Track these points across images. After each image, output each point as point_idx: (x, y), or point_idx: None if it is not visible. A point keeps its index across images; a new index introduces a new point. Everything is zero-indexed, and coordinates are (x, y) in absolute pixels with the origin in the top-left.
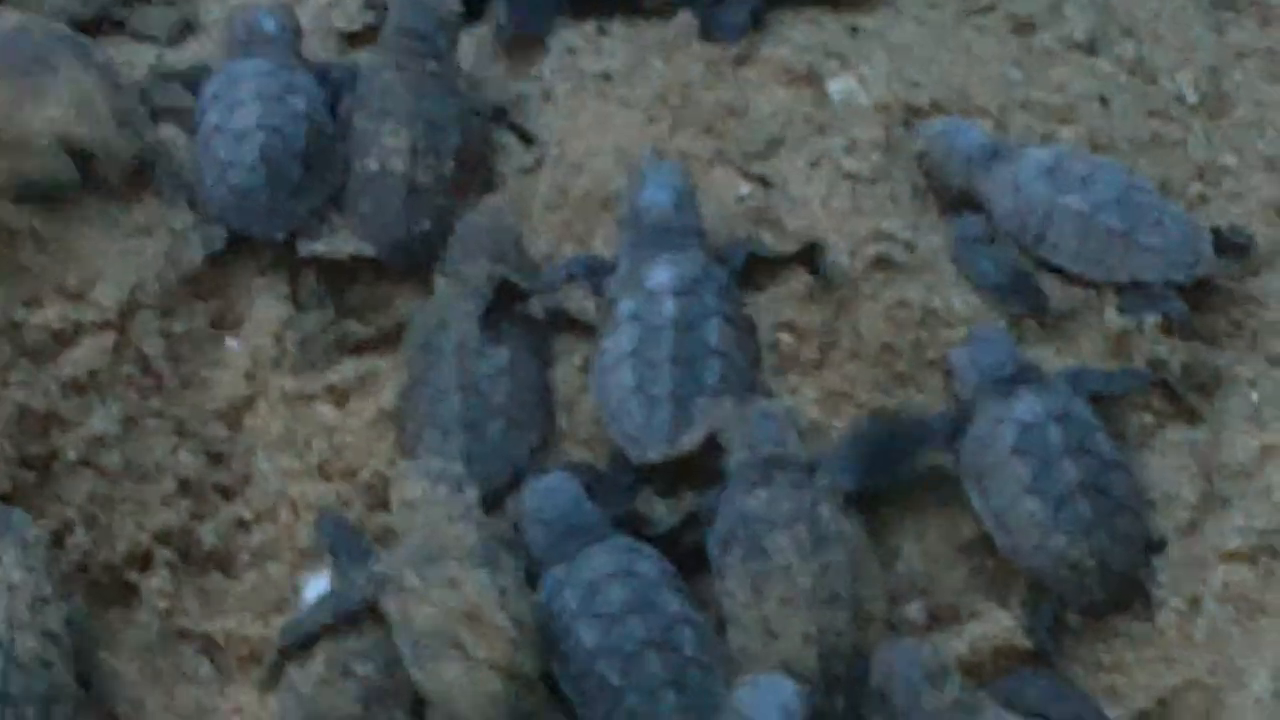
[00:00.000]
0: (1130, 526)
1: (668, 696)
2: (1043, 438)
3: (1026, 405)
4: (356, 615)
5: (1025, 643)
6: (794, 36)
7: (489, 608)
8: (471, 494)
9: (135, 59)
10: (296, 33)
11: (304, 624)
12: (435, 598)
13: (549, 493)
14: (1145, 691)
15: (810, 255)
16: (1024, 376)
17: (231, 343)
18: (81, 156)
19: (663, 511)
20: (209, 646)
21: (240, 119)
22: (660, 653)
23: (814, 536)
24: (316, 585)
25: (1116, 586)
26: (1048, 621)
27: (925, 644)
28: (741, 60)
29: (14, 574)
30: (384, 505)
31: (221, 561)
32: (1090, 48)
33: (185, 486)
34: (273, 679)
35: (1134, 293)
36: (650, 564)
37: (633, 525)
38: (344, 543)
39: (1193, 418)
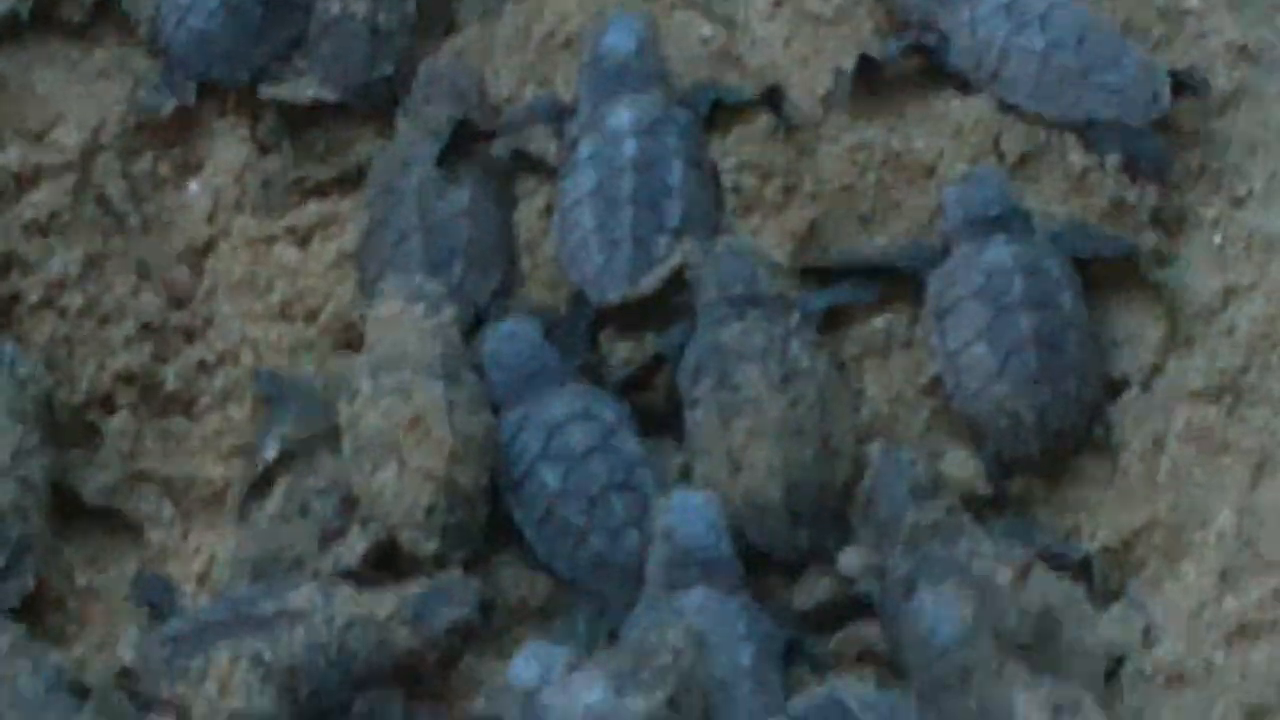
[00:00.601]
0: (1077, 389)
1: (630, 538)
2: (1006, 286)
3: (998, 252)
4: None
5: (986, 487)
6: None
7: (434, 418)
8: (448, 313)
9: None
10: None
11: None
12: (384, 404)
13: (509, 337)
14: (1108, 531)
15: (772, 97)
16: (1006, 223)
17: (193, 185)
18: None
19: (624, 353)
20: (171, 488)
21: None
22: (622, 494)
23: (784, 370)
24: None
25: (1053, 443)
26: (999, 465)
27: (920, 458)
28: None
29: (1, 418)
30: (346, 345)
31: (183, 404)
32: None
33: (147, 328)
34: (243, 516)
35: (1107, 130)
36: (609, 407)
37: (593, 370)
38: (283, 394)
39: (1159, 260)
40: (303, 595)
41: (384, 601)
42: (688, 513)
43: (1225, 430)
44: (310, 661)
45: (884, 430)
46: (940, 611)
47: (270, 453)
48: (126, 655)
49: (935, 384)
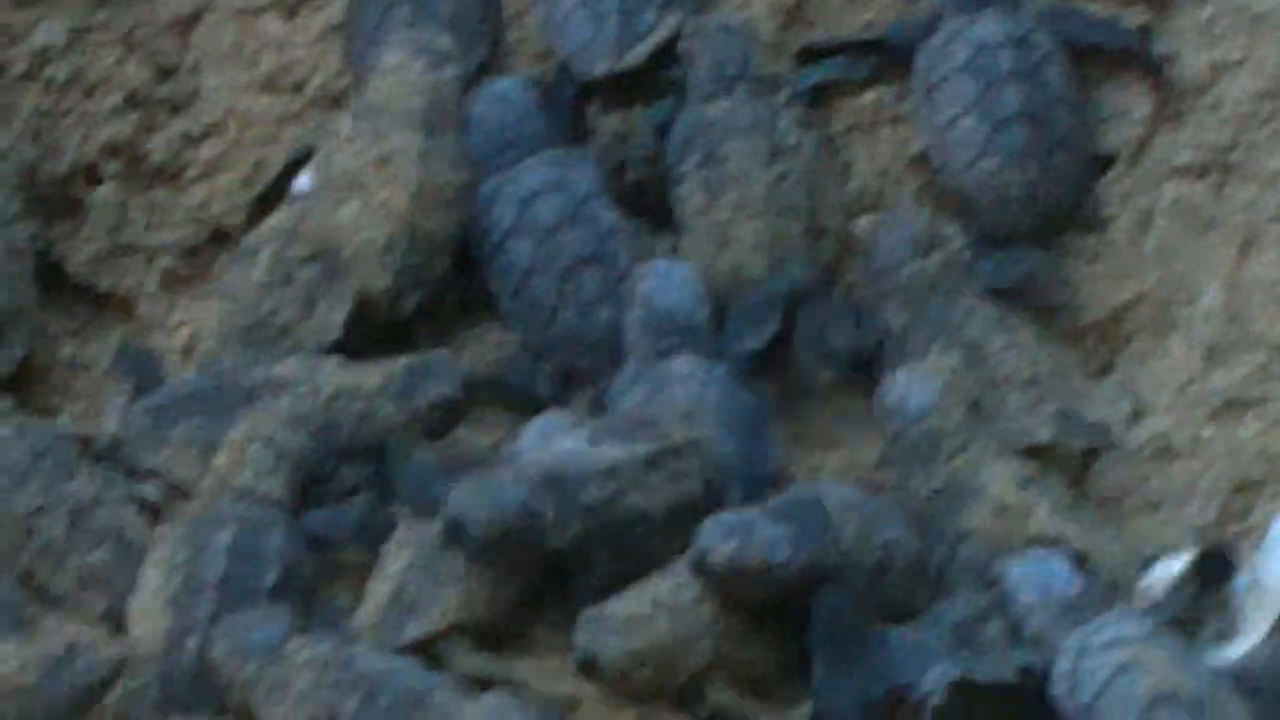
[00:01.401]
0: (1067, 164)
1: (601, 313)
2: (995, 60)
3: (988, 25)
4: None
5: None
6: None
7: (403, 160)
8: (449, 71)
9: None
10: None
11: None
12: (356, 145)
13: (497, 98)
14: (1096, 305)
15: None
16: None
17: None
18: None
19: (611, 127)
20: (156, 260)
21: None
22: (593, 268)
23: (772, 146)
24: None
25: (1040, 219)
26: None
27: (920, 214)
28: None
29: None
30: (332, 115)
31: (169, 176)
32: None
33: (133, 100)
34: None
35: None
36: (584, 175)
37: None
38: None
39: (1147, 35)
40: (288, 367)
41: (369, 374)
42: (667, 280)
43: (1213, 206)
44: (294, 432)
45: (872, 205)
46: (912, 383)
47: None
48: (111, 426)
49: (923, 158)
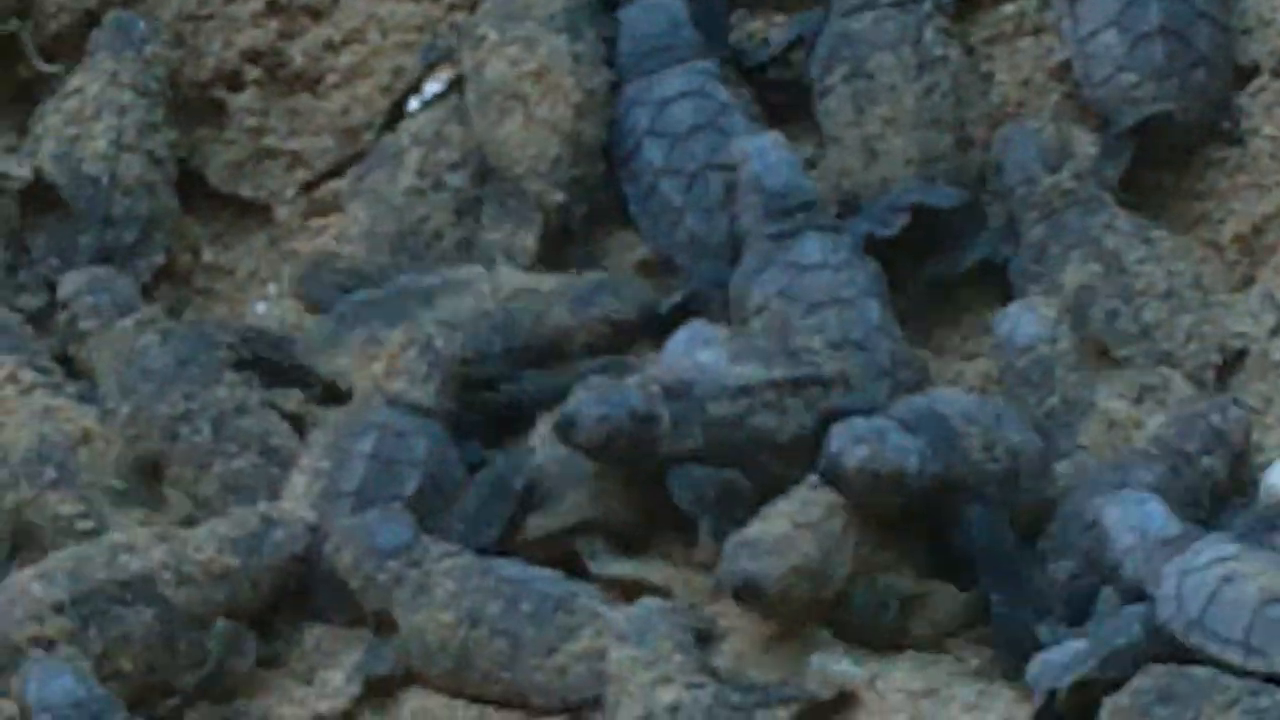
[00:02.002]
0: (1206, 80)
1: (723, 220)
2: None
3: None
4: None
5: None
6: None
7: (559, 70)
8: None
9: None
10: None
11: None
12: (509, 54)
13: (650, 6)
14: (1238, 218)
15: None
16: None
17: None
18: None
19: (756, 34)
20: (296, 166)
21: None
22: (721, 173)
23: (919, 59)
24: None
25: (1179, 134)
26: (1123, 153)
27: (1048, 126)
28: None
29: (125, 95)
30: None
31: (309, 82)
32: None
33: (274, 6)
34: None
35: None
36: (723, 85)
37: (731, 55)
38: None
39: None
40: (466, 270)
41: (548, 279)
42: (769, 157)
43: None
44: (474, 330)
45: (1014, 115)
46: (1020, 315)
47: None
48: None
49: (1065, 68)
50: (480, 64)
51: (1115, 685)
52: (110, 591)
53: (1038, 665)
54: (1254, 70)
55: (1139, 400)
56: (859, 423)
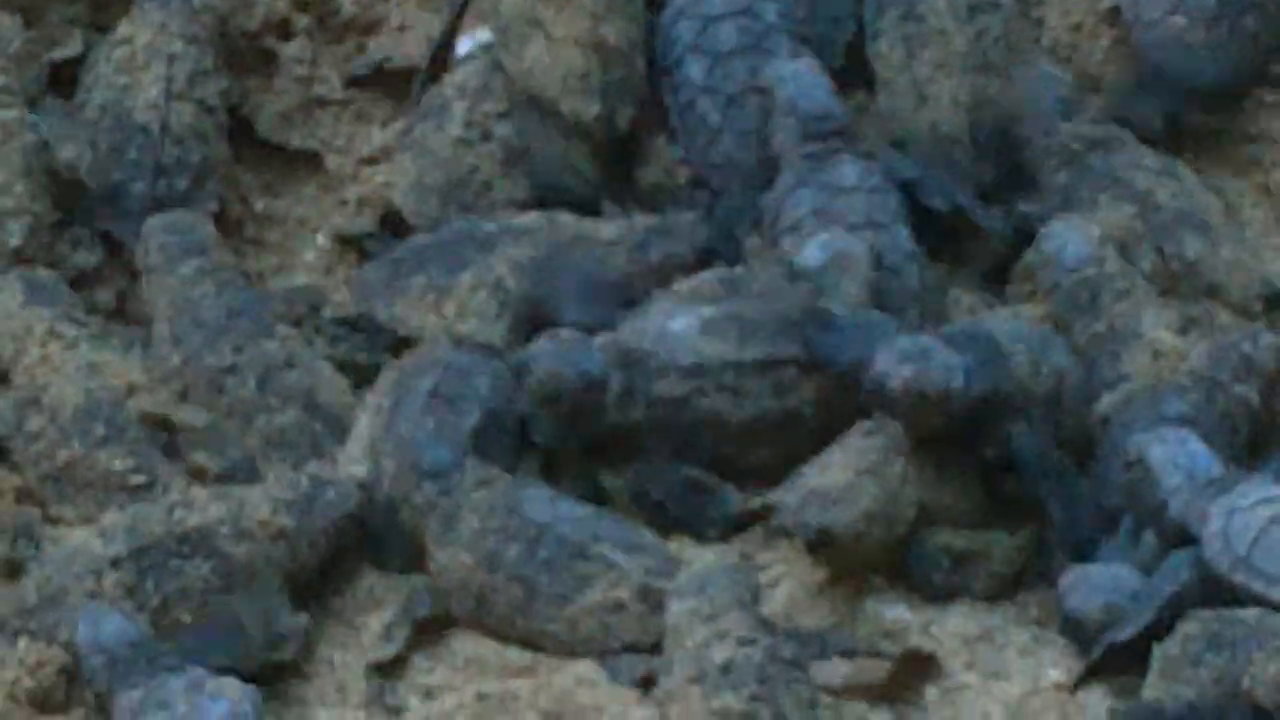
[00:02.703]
0: (1257, 26)
1: (758, 144)
2: None
3: None
4: None
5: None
6: None
7: None
8: None
9: None
10: None
11: None
12: None
13: None
14: None
15: None
16: None
17: None
18: None
19: None
20: (345, 114)
21: None
22: (759, 98)
23: (971, 2)
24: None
25: (1229, 79)
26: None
27: (1065, 72)
28: None
29: (175, 44)
30: None
31: (360, 30)
32: None
33: None
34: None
35: None
36: (772, 8)
37: None
38: None
39: None
40: (525, 217)
41: (606, 226)
42: (803, 81)
43: None
44: (522, 279)
45: (1063, 61)
46: (1068, 234)
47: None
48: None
49: (1115, 13)
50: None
51: (1162, 630)
52: (168, 545)
53: (1073, 582)
54: None
55: (1184, 331)
56: (904, 341)
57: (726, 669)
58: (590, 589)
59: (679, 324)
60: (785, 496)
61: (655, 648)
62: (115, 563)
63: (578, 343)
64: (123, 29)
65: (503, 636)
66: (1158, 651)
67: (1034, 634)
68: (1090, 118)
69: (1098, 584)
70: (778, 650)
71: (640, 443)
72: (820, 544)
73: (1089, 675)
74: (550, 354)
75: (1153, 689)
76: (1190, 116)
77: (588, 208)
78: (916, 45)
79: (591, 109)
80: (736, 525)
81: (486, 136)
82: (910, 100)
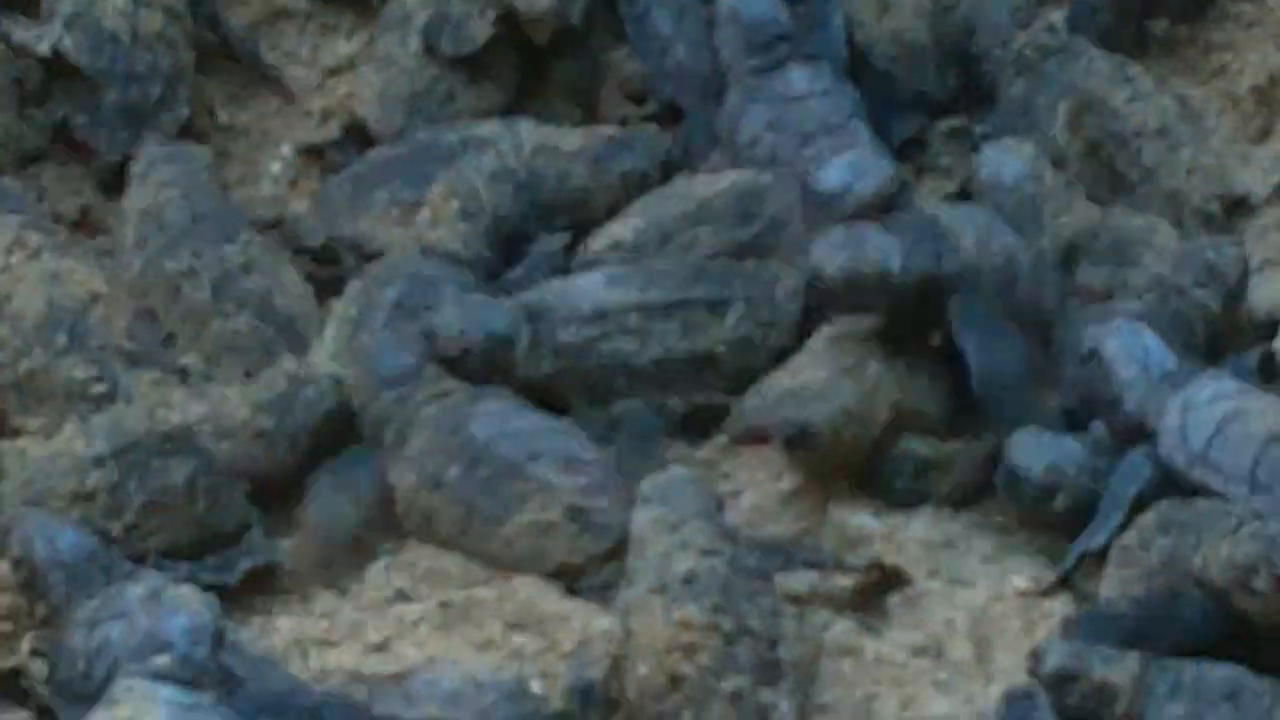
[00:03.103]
0: None
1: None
2: None
3: None
4: None
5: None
6: None
7: None
8: None
9: None
10: None
11: None
12: None
13: None
14: (1255, 70)
15: None
16: None
17: None
18: None
19: None
20: (308, 26)
21: None
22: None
23: None
24: None
25: None
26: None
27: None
28: None
29: None
30: None
31: None
32: None
33: None
34: None
35: None
36: None
37: None
38: None
39: None
40: (486, 127)
41: (570, 136)
42: None
43: None
44: (499, 188)
45: None
46: (1001, 156)
47: None
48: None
49: None
50: None
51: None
52: (150, 444)
53: (1021, 440)
54: None
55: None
56: (838, 230)
57: (689, 580)
58: (523, 509)
59: (585, 279)
60: (754, 400)
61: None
62: (98, 461)
63: (484, 302)
64: None
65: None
66: (1116, 546)
67: (997, 541)
68: (1046, 25)
69: (1045, 446)
70: (740, 561)
71: (557, 394)
72: (799, 442)
73: (1060, 584)
74: (456, 314)
75: (1109, 582)
76: (1156, 26)
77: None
78: None
79: (541, 2)
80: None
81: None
82: (873, 9)
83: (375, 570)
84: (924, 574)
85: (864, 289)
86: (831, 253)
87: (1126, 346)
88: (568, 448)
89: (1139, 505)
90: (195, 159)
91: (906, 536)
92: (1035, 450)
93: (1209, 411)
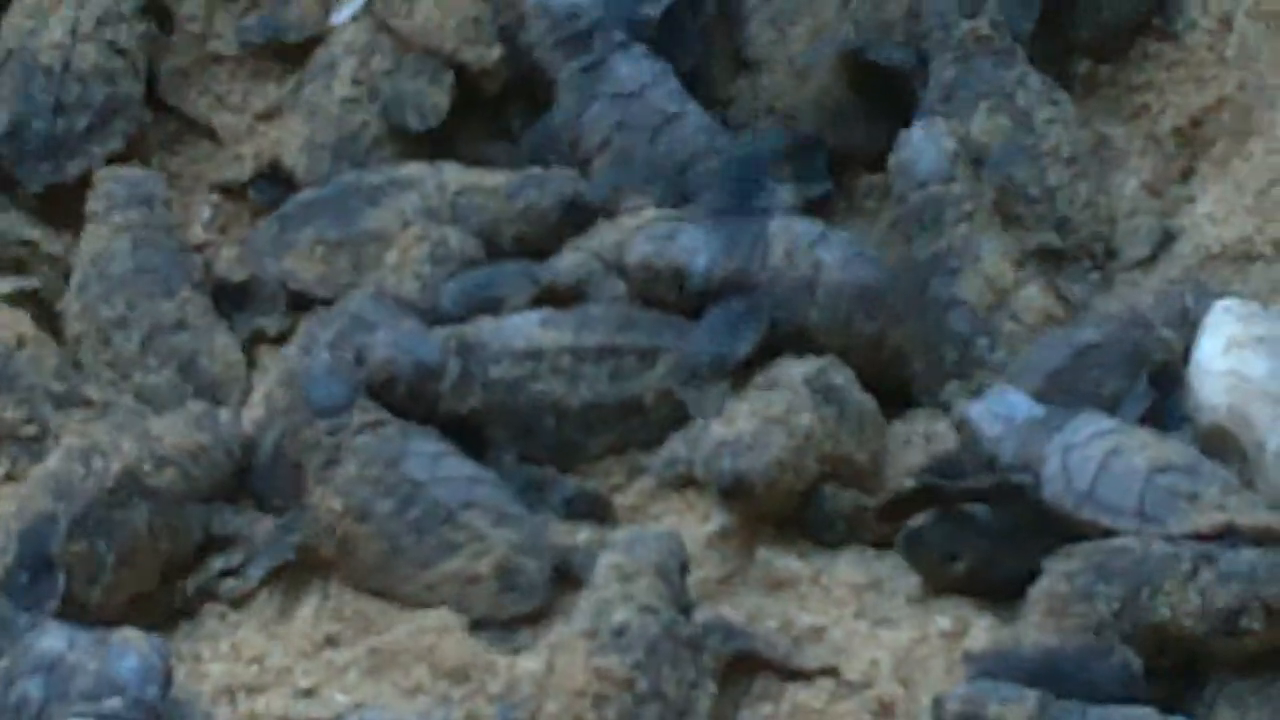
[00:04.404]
0: None
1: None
2: None
3: None
4: None
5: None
6: None
7: None
8: None
9: None
10: None
11: None
12: None
13: None
14: (1177, 110)
15: None
16: None
17: None
18: None
19: None
20: (239, 70)
21: None
22: None
23: None
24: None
25: (1115, 22)
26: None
27: None
28: None
29: None
30: None
31: None
32: None
33: None
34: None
35: None
36: None
37: None
38: None
39: None
40: (410, 168)
41: (491, 174)
42: None
43: None
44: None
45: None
46: (925, 144)
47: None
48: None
49: None
50: None
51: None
52: (103, 500)
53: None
54: None
55: (1020, 265)
56: (660, 223)
57: (619, 632)
58: (452, 557)
59: (520, 318)
60: (683, 447)
61: (513, 621)
62: (69, 534)
63: (417, 331)
64: None
65: (360, 585)
66: (1034, 591)
67: (922, 582)
68: (990, 20)
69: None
70: (676, 626)
71: (482, 431)
72: (735, 492)
73: (892, 512)
74: (388, 340)
75: (1038, 628)
76: (1078, 65)
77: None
78: (786, 21)
79: (491, 53)
80: (580, 508)
81: (375, 94)
82: (790, 77)
83: (303, 614)
84: (849, 615)
85: (659, 283)
86: (641, 242)
87: (991, 407)
88: (501, 501)
89: (1002, 485)
90: (154, 191)
91: (832, 579)
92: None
93: (1089, 450)
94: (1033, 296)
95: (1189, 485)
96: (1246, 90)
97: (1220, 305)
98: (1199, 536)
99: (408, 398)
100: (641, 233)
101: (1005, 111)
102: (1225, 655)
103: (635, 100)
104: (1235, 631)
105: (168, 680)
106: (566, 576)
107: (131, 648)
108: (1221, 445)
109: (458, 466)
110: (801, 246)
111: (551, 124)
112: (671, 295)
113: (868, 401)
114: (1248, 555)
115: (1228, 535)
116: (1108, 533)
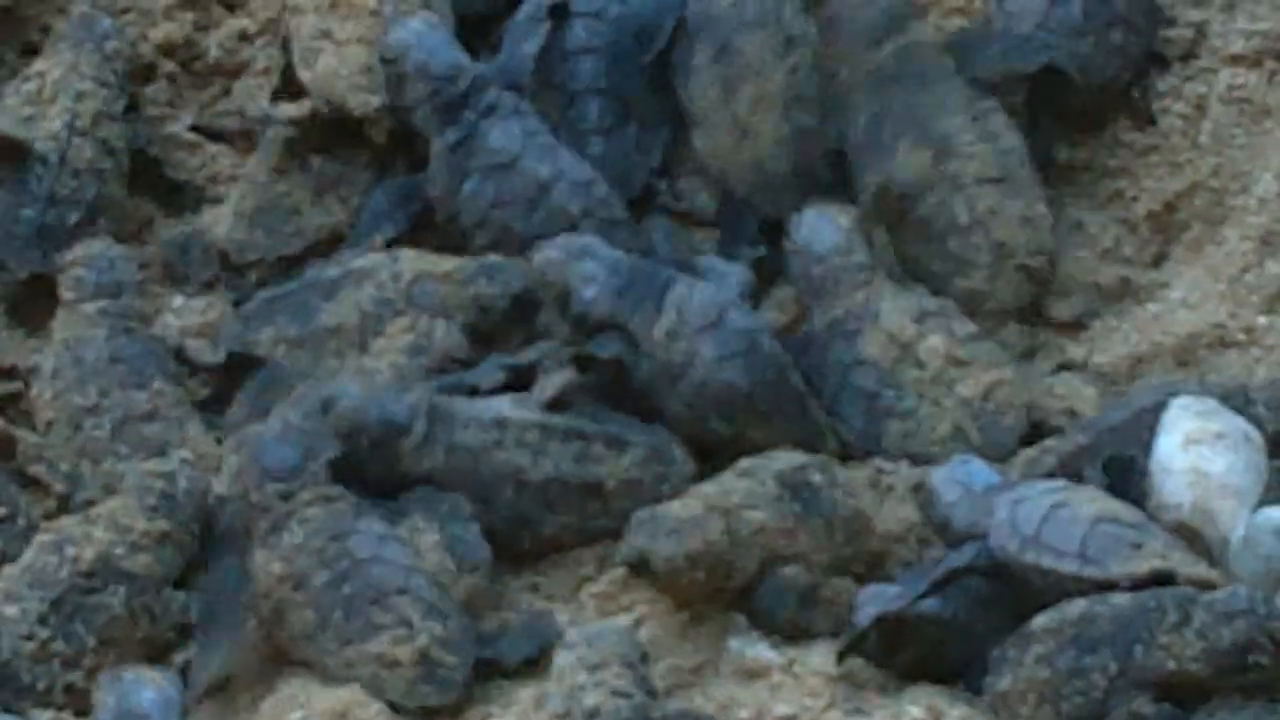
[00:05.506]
0: (1125, 41)
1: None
2: None
3: None
4: None
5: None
6: None
7: None
8: None
9: None
10: None
11: None
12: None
13: None
14: (1151, 195)
15: None
16: None
17: None
18: None
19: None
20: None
21: None
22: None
23: (784, 38)
24: None
25: (1094, 94)
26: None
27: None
28: None
29: (85, 84)
30: None
31: (226, 73)
32: None
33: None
34: None
35: None
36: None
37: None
38: None
39: None
40: (366, 259)
41: (446, 261)
42: (429, 39)
43: (1267, 95)
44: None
45: None
46: (819, 223)
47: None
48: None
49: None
50: (294, 23)
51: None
52: (80, 586)
53: (866, 597)
54: (1160, 56)
55: (920, 320)
56: (583, 238)
57: (593, 714)
58: (375, 638)
59: (495, 399)
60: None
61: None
62: (42, 620)
63: (390, 389)
64: (36, 64)
65: (283, 653)
66: (1005, 685)
67: (895, 672)
68: (908, 41)
69: (890, 598)
70: (648, 711)
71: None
72: (637, 568)
73: (851, 647)
74: (355, 394)
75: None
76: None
77: None
78: (733, 82)
79: (374, 101)
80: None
81: (304, 167)
82: (730, 137)
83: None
84: (822, 705)
85: (547, 290)
86: (550, 250)
87: (951, 473)
88: (435, 595)
89: (949, 577)
90: (124, 278)
91: (805, 669)
92: (880, 601)
93: (1039, 502)
94: (935, 346)
95: (1134, 536)
96: (1220, 175)
97: (1177, 403)
98: (1135, 584)
99: (370, 450)
100: (563, 237)
101: (925, 143)
102: (1229, 690)
103: (509, 172)
104: (1245, 668)
105: (184, 713)
106: (492, 670)
107: (145, 681)
108: (1189, 542)
109: (400, 553)
110: (687, 331)
111: (431, 191)
112: (555, 314)
113: (846, 505)
114: (1244, 591)
115: (1165, 583)
116: (1048, 575)
